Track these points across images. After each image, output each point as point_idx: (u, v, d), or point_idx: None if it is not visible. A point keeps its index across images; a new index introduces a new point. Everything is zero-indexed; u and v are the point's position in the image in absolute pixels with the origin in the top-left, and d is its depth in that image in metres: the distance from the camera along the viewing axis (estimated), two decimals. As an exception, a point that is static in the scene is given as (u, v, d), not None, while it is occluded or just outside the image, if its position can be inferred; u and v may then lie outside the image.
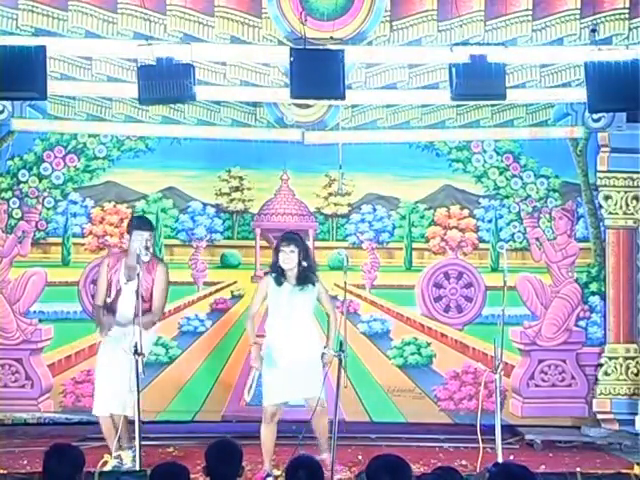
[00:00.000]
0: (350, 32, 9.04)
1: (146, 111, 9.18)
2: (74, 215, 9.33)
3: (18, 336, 9.19)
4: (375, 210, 9.43)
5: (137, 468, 6.85)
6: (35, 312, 9.23)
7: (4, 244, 9.19)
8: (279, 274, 7.55)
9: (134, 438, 7.15)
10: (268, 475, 7.39)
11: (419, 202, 9.43)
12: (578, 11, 8.94)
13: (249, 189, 9.42)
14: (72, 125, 9.26)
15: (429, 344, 9.39)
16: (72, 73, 8.92)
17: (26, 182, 9.26)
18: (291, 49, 8.06)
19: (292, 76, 7.93)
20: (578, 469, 6.73)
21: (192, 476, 5.06)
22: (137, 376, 6.99)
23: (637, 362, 9.31)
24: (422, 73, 9.08)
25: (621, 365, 9.31)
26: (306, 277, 7.52)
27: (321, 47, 8.38)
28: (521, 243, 9.40)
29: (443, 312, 9.46)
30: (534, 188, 9.40)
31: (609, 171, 9.33)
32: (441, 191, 9.45)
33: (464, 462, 7.84)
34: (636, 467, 7.39)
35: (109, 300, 7.73)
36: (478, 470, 7.12)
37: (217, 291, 9.42)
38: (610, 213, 9.34)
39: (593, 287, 9.37)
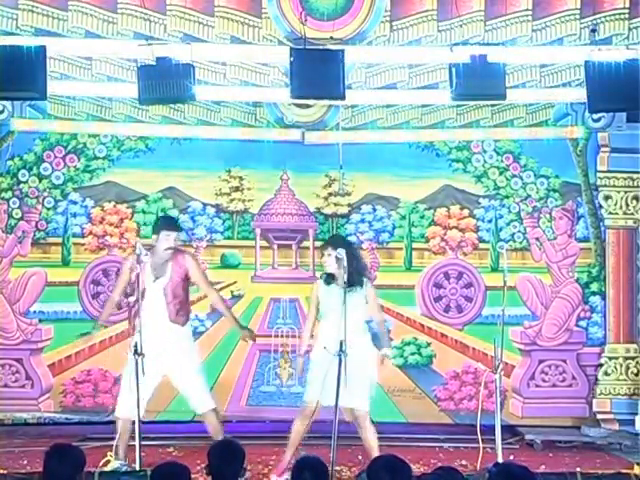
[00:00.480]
0: (350, 32, 9.04)
1: (146, 111, 9.19)
2: (74, 215, 9.33)
3: (18, 336, 9.19)
4: (375, 210, 9.43)
5: (137, 468, 6.85)
6: (35, 312, 9.24)
7: (4, 244, 9.19)
8: (329, 276, 7.52)
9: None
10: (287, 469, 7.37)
11: (419, 202, 9.43)
12: (578, 11, 8.95)
13: (249, 189, 9.42)
14: (72, 125, 9.27)
15: (429, 344, 9.39)
16: (72, 73, 8.93)
17: (26, 182, 9.26)
18: (291, 49, 8.06)
19: (292, 76, 7.93)
20: (578, 469, 6.72)
21: (192, 476, 5.05)
22: (137, 376, 6.98)
23: (637, 362, 9.31)
24: (422, 73, 9.08)
25: (621, 365, 9.31)
26: (352, 280, 7.37)
27: (321, 47, 8.37)
28: (521, 243, 9.41)
29: (443, 312, 9.46)
30: (534, 188, 9.40)
31: (609, 171, 9.34)
32: (441, 191, 9.45)
33: (464, 462, 7.84)
34: (636, 467, 7.38)
35: (132, 299, 7.68)
36: (478, 470, 7.12)
37: (217, 291, 9.40)
38: (610, 213, 9.34)
39: (594, 287, 9.37)
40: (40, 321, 9.23)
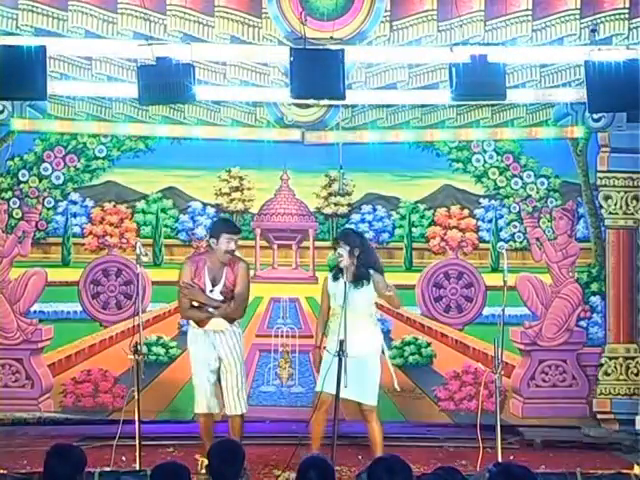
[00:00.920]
0: (350, 32, 9.04)
1: (146, 111, 9.18)
2: (74, 215, 9.32)
3: (18, 336, 9.19)
4: (375, 210, 9.42)
5: (137, 468, 6.86)
6: (35, 312, 9.23)
7: (4, 244, 9.19)
8: (338, 271, 7.57)
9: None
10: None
11: (419, 202, 9.42)
12: (578, 11, 8.95)
13: (249, 189, 9.42)
14: (72, 125, 9.25)
15: (429, 344, 9.38)
16: (72, 73, 8.94)
17: (26, 182, 9.25)
18: (291, 49, 8.07)
19: (292, 76, 7.94)
20: (578, 469, 6.72)
21: (192, 476, 5.05)
22: (137, 376, 6.98)
23: (637, 362, 9.31)
24: (422, 73, 9.09)
25: (621, 365, 9.31)
26: (360, 274, 7.47)
27: (321, 47, 8.39)
28: (521, 243, 9.40)
29: (443, 312, 9.46)
30: (534, 188, 9.40)
31: (609, 171, 9.33)
32: (441, 191, 9.44)
33: (464, 462, 7.84)
34: (636, 467, 7.37)
35: (195, 305, 7.68)
36: (478, 470, 7.12)
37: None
38: (610, 213, 9.34)
39: (594, 287, 9.36)
40: (40, 321, 9.22)
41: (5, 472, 6.80)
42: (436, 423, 9.25)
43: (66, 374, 9.23)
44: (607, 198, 9.33)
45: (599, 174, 9.32)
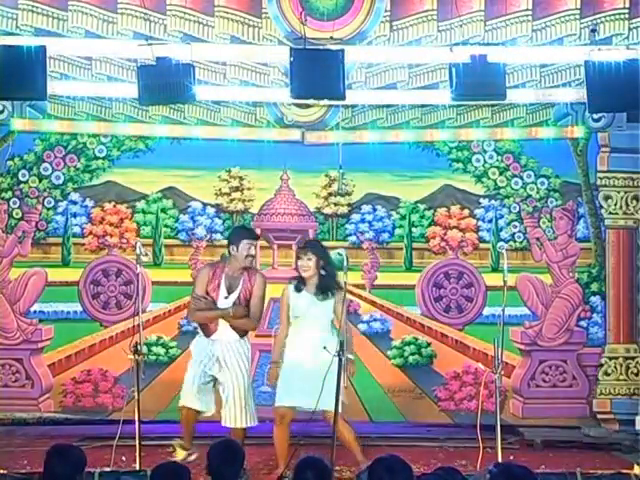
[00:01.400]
0: (350, 32, 9.05)
1: (146, 111, 9.18)
2: (74, 215, 9.32)
3: (18, 336, 9.19)
4: (375, 210, 9.42)
5: (137, 468, 6.85)
6: (35, 312, 9.23)
7: (4, 244, 9.19)
8: (299, 282, 7.51)
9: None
10: (282, 477, 7.35)
11: (419, 202, 9.42)
12: (578, 11, 8.95)
13: (249, 189, 9.42)
14: (72, 125, 9.26)
15: (429, 344, 9.38)
16: (72, 73, 8.94)
17: (26, 182, 9.26)
18: (291, 49, 8.07)
19: (292, 76, 7.93)
20: (578, 469, 6.72)
21: (192, 476, 5.05)
22: (137, 376, 6.98)
23: (637, 362, 9.31)
24: (422, 73, 9.09)
25: (621, 365, 9.31)
26: (325, 286, 7.44)
27: (321, 47, 8.38)
28: (521, 243, 9.40)
29: (443, 312, 9.46)
30: (534, 188, 9.40)
31: (609, 171, 9.33)
32: (441, 191, 9.45)
33: (464, 462, 7.82)
34: (636, 467, 7.38)
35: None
36: (478, 470, 7.12)
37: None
38: (610, 213, 9.34)
39: (594, 287, 9.36)
40: (40, 321, 9.22)
41: (5, 472, 6.80)
42: (436, 423, 9.25)
43: (66, 374, 9.23)
44: (607, 198, 9.33)
45: (599, 174, 9.32)
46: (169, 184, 9.35)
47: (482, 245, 9.45)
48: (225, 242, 9.30)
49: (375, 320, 9.40)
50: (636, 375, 9.29)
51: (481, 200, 9.44)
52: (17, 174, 9.23)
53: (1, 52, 7.80)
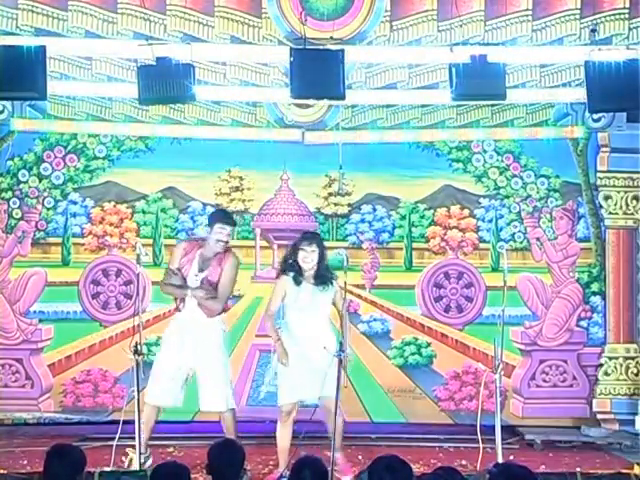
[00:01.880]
0: (350, 32, 9.04)
1: (146, 111, 9.18)
2: (74, 215, 9.32)
3: (18, 336, 9.19)
4: (375, 210, 9.42)
5: (137, 468, 6.85)
6: (35, 312, 9.23)
7: (4, 244, 9.19)
8: (297, 273, 7.47)
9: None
10: (282, 476, 7.36)
11: (419, 202, 9.42)
12: (578, 11, 8.95)
13: (249, 189, 9.42)
14: (72, 125, 9.26)
15: (429, 344, 9.38)
16: (72, 73, 8.93)
17: (26, 182, 9.26)
18: (291, 49, 8.06)
19: (292, 76, 7.93)
20: (578, 469, 6.73)
21: (192, 476, 5.05)
22: (137, 376, 6.98)
23: (637, 362, 9.31)
24: (422, 73, 9.08)
25: (621, 365, 9.30)
26: (325, 277, 7.46)
27: (321, 47, 8.37)
28: (522, 243, 9.40)
29: (443, 312, 9.46)
30: (534, 188, 9.40)
31: (609, 171, 9.33)
32: (441, 191, 9.45)
33: (464, 462, 7.83)
34: (636, 467, 7.38)
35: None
36: (478, 470, 7.12)
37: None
38: (610, 213, 9.34)
39: (594, 287, 9.36)
40: (40, 321, 9.22)
41: (5, 472, 6.80)
42: (436, 423, 9.24)
43: (66, 374, 9.23)
44: (607, 198, 9.33)
45: (599, 174, 9.32)
46: (169, 184, 9.35)
47: (482, 245, 9.45)
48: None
49: (375, 320, 9.40)
50: (636, 375, 9.29)
51: (481, 200, 9.44)
52: (17, 174, 9.23)
53: (1, 52, 7.78)
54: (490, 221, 9.43)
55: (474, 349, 9.28)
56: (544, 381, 9.34)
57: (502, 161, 9.43)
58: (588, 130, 9.29)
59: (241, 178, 9.40)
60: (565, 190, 9.39)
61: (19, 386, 9.19)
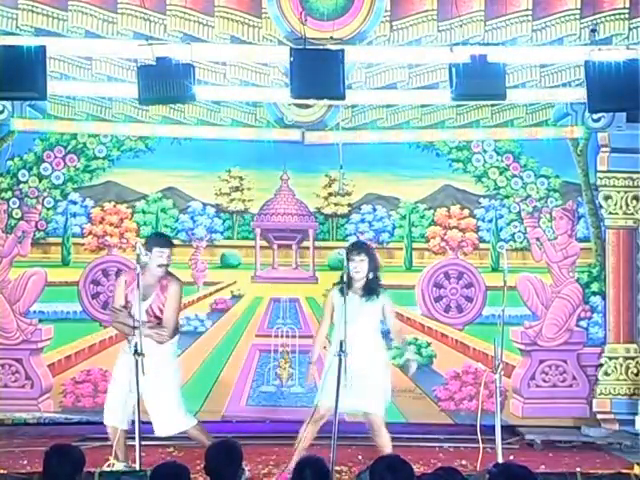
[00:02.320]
0: (350, 32, 9.04)
1: (146, 111, 9.18)
2: (74, 215, 9.33)
3: (18, 336, 9.19)
4: (375, 210, 9.43)
5: (137, 468, 6.85)
6: (35, 312, 9.23)
7: (4, 244, 9.19)
8: (345, 285, 7.24)
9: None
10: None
11: (419, 202, 9.43)
12: (578, 11, 8.95)
13: (249, 189, 9.42)
14: (72, 125, 9.26)
15: (429, 344, 9.39)
16: (72, 73, 8.93)
17: (26, 182, 9.26)
18: (291, 49, 8.06)
19: (292, 76, 7.92)
20: (578, 469, 6.72)
21: (192, 476, 5.05)
22: (137, 376, 6.97)
23: (637, 362, 9.31)
24: (422, 73, 9.08)
25: (621, 365, 9.30)
26: (372, 289, 7.39)
27: (321, 47, 8.36)
28: (521, 243, 9.40)
29: (443, 312, 9.46)
30: (534, 188, 9.40)
31: (609, 171, 9.33)
32: (441, 191, 9.45)
33: (464, 462, 7.84)
34: (636, 467, 7.38)
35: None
36: (478, 470, 7.11)
37: (217, 291, 9.42)
38: (610, 213, 9.34)
39: (594, 287, 9.36)
40: (40, 321, 9.22)
41: (5, 472, 6.80)
42: (436, 423, 9.24)
43: (66, 374, 9.23)
44: (607, 198, 9.33)
45: (599, 174, 9.32)
46: (169, 184, 9.36)
47: (482, 245, 9.46)
48: (225, 242, 9.39)
49: (375, 320, 9.38)
50: (636, 375, 9.29)
51: (481, 200, 9.44)
52: (17, 174, 9.24)
53: (1, 52, 7.77)
54: (490, 221, 9.44)
55: (474, 349, 9.28)
56: (544, 381, 9.34)
57: (502, 161, 9.44)
58: (588, 130, 9.29)
59: (241, 178, 9.40)
60: (565, 190, 9.39)
61: (19, 386, 9.19)
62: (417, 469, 6.95)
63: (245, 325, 9.34)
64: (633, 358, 9.31)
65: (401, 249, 9.43)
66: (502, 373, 7.35)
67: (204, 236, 9.37)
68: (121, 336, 9.00)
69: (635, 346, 9.31)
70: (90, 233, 9.33)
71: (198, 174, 9.34)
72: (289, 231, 9.46)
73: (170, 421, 7.43)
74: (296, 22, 8.74)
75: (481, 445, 7.29)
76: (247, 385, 9.31)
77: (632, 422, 9.01)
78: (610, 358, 9.31)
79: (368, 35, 9.06)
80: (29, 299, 9.23)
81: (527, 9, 8.97)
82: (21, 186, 9.25)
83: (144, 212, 9.34)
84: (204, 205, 9.39)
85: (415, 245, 9.45)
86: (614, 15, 8.91)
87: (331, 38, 8.71)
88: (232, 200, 9.40)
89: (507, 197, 9.43)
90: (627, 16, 8.90)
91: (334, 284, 7.54)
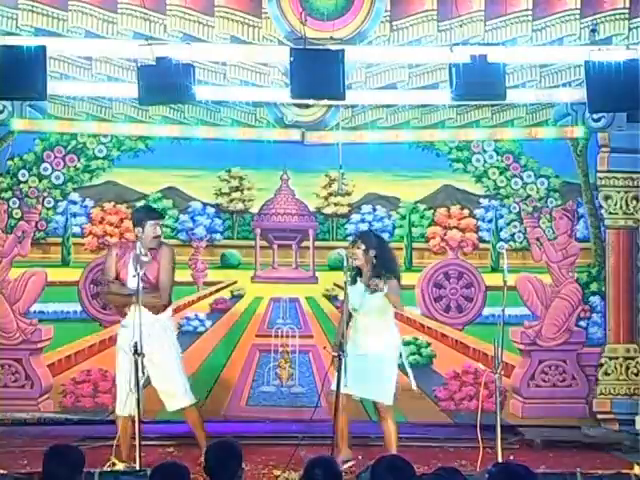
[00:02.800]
0: (350, 32, 9.05)
1: (146, 111, 9.18)
2: (74, 215, 9.32)
3: (18, 336, 9.19)
4: (375, 210, 9.42)
5: (137, 468, 6.85)
6: (35, 312, 9.23)
7: (4, 244, 9.19)
8: (356, 273, 7.56)
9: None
10: (347, 460, 7.48)
11: (419, 202, 9.42)
12: (578, 11, 8.96)
13: (249, 189, 9.42)
14: (72, 125, 9.26)
15: (429, 344, 9.38)
16: (72, 73, 8.93)
17: (26, 182, 9.25)
18: (291, 49, 8.07)
19: (292, 76, 7.93)
20: (578, 469, 6.72)
21: (192, 476, 5.05)
22: (137, 376, 6.98)
23: (637, 362, 9.31)
24: (422, 73, 9.09)
25: (621, 365, 9.31)
26: (376, 276, 7.48)
27: (321, 47, 8.38)
28: (521, 243, 9.40)
29: (443, 312, 9.46)
30: (534, 188, 9.40)
31: (609, 171, 9.33)
32: (441, 191, 9.45)
33: (464, 462, 7.82)
34: (636, 467, 7.37)
35: None
36: (478, 470, 7.12)
37: (217, 291, 9.42)
38: (610, 213, 9.34)
39: (593, 287, 9.37)
40: (40, 321, 9.22)
41: (5, 472, 6.80)
42: (436, 423, 9.24)
43: (66, 374, 9.22)
44: (607, 198, 9.33)
45: (599, 174, 9.32)
46: (169, 184, 9.35)
47: (482, 245, 9.45)
48: (225, 242, 9.38)
49: (375, 320, 9.38)
50: (636, 375, 9.29)
51: (481, 200, 9.44)
52: (17, 174, 9.23)
53: (1, 52, 7.79)
54: (490, 221, 9.43)
55: (474, 349, 9.28)
56: (543, 381, 9.34)
57: (502, 161, 9.43)
58: (588, 130, 9.29)
59: (241, 178, 9.40)
60: (565, 190, 9.39)
61: (19, 386, 9.19)
62: (417, 469, 6.94)
63: (245, 325, 9.34)
64: (633, 358, 9.31)
65: (401, 249, 9.42)
66: (502, 373, 7.36)
67: (204, 236, 9.37)
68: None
69: (635, 346, 9.32)
70: (90, 233, 9.33)
71: (198, 174, 9.34)
72: (289, 231, 9.46)
73: (182, 393, 7.51)
74: (296, 22, 8.75)
75: (481, 445, 7.30)
76: (247, 385, 9.31)
77: (632, 422, 9.01)
78: (610, 358, 9.31)
79: (368, 35, 9.06)
80: (29, 299, 9.23)
81: (527, 9, 8.98)
82: (21, 186, 9.24)
83: (144, 212, 9.33)
84: (204, 205, 9.39)
85: (415, 245, 9.45)
86: (614, 15, 8.91)
87: (331, 38, 8.72)
88: (232, 200, 9.40)
89: (507, 197, 9.43)
90: (627, 16, 8.90)
91: (346, 275, 7.53)
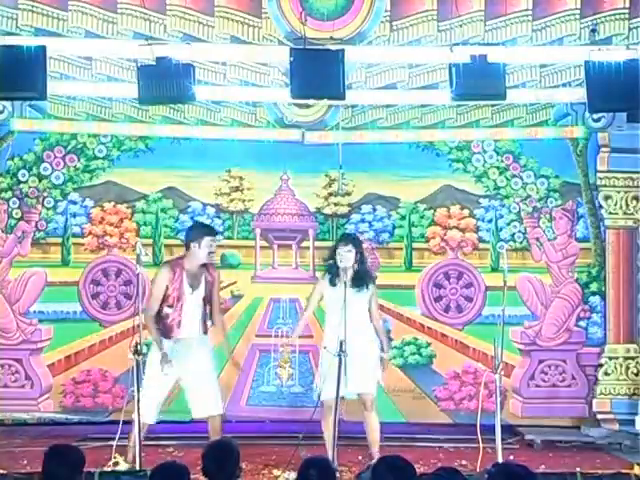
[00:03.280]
0: (350, 32, 9.05)
1: (146, 111, 9.18)
2: (74, 215, 9.32)
3: (18, 336, 9.19)
4: (375, 210, 9.42)
5: (137, 468, 6.85)
6: (35, 312, 9.23)
7: (4, 244, 9.19)
8: (334, 275, 7.61)
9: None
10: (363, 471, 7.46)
11: (419, 202, 9.42)
12: (578, 11, 8.96)
13: (249, 189, 9.42)
14: (72, 125, 9.26)
15: (429, 344, 9.38)
16: (72, 73, 8.94)
17: (26, 182, 9.25)
18: (291, 49, 8.06)
19: (292, 76, 7.93)
20: (578, 469, 6.73)
21: (192, 476, 5.05)
22: (137, 376, 6.97)
23: (637, 362, 9.31)
24: (422, 73, 9.09)
25: (621, 365, 9.30)
26: (361, 279, 7.57)
27: (321, 47, 8.38)
28: (521, 243, 9.40)
29: (443, 312, 9.46)
30: (534, 188, 9.40)
31: (609, 171, 9.33)
32: (441, 191, 9.45)
33: (464, 462, 7.83)
34: (636, 467, 7.39)
35: (169, 311, 7.51)
36: (478, 470, 7.12)
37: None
38: (610, 213, 9.34)
39: (593, 287, 9.36)
40: (40, 321, 9.22)
41: (5, 472, 6.80)
42: (436, 423, 9.24)
43: (66, 374, 9.23)
44: (607, 198, 9.33)
45: (599, 174, 9.32)
46: (169, 184, 9.35)
47: (482, 245, 9.45)
48: (225, 242, 9.37)
49: (375, 320, 9.38)
50: (636, 375, 9.29)
51: (481, 200, 9.44)
52: (17, 174, 9.23)
53: (1, 52, 7.78)
54: (490, 221, 9.43)
55: (474, 349, 9.28)
56: (543, 381, 9.34)
57: (502, 161, 9.43)
58: (588, 130, 9.29)
59: (241, 178, 9.40)
60: (565, 190, 9.39)
61: (19, 386, 9.19)
62: (417, 469, 6.95)
63: (245, 325, 9.34)
64: (633, 358, 9.31)
65: (401, 249, 9.43)
66: (502, 373, 7.36)
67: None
68: (121, 336, 9.07)
69: (635, 346, 9.31)
70: (90, 233, 9.33)
71: (198, 174, 9.34)
72: (289, 231, 9.46)
73: (210, 402, 7.52)
74: (296, 22, 8.75)
75: (481, 445, 7.30)
76: (247, 385, 9.31)
77: (632, 422, 9.01)
78: (610, 358, 9.31)
79: (368, 35, 9.06)
80: (29, 299, 9.23)
81: (527, 9, 8.98)
82: (21, 186, 9.24)
83: (144, 212, 9.33)
84: (204, 205, 9.39)
85: (415, 245, 9.45)
86: (614, 15, 8.92)
87: (331, 38, 8.72)
88: (232, 200, 9.40)
89: (507, 197, 9.43)
90: (627, 16, 8.90)
91: (322, 276, 7.76)
